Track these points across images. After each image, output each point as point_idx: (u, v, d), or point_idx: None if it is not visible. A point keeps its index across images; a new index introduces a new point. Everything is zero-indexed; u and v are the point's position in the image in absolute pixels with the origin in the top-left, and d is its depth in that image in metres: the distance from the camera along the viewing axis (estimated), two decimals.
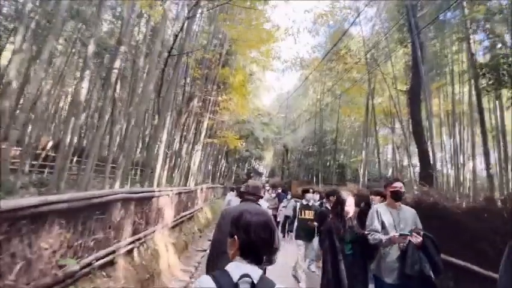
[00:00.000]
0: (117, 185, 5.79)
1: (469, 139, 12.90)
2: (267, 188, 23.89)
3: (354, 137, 23.14)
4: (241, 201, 2.68)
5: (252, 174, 38.22)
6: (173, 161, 10.84)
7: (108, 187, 6.73)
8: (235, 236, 1.08)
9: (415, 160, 13.87)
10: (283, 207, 8.54)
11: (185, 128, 9.85)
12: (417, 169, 12.21)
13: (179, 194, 7.33)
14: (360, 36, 14.35)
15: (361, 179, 14.31)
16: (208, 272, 2.05)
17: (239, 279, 0.98)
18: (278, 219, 8.47)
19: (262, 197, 2.74)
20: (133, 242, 4.23)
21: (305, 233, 5.36)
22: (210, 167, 29.18)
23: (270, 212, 7.90)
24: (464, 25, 9.22)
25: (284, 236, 9.14)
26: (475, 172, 11.56)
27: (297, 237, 5.47)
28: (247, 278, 0.98)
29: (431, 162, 9.44)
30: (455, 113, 11.76)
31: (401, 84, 12.19)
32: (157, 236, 5.38)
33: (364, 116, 15.47)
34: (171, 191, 6.55)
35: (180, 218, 7.46)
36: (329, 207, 4.52)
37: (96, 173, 10.01)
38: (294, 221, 5.65)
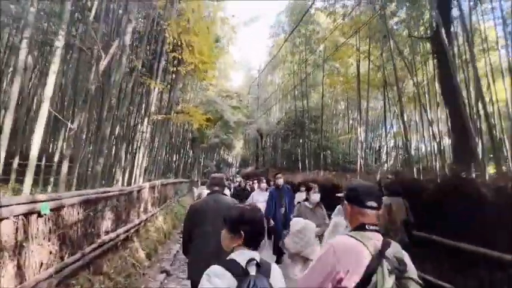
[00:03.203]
0: None
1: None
2: (238, 179, 20.06)
3: (339, 114, 20.70)
4: (208, 194, 2.71)
5: (221, 166, 34.86)
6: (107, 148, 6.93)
7: None
8: (241, 231, 1.26)
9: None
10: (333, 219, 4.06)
11: (113, 89, 5.84)
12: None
13: (84, 203, 3.66)
14: None
15: (360, 163, 11.60)
16: (186, 255, 2.54)
17: (247, 263, 1.16)
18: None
19: (226, 187, 3.03)
20: None
21: None
22: (175, 157, 25.00)
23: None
24: None
25: None
26: None
27: None
28: (253, 261, 1.17)
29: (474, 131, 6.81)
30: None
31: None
32: None
33: (356, 83, 12.75)
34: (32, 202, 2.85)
35: (91, 251, 3.81)
36: None
37: None
38: None
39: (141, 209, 6.66)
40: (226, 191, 6.88)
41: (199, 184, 16.63)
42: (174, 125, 19.77)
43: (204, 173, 29.57)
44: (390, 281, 1.03)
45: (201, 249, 2.32)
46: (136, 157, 8.54)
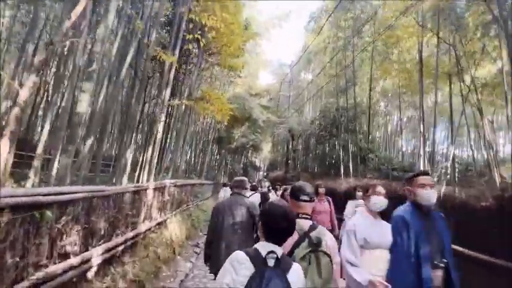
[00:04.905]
0: None
1: None
2: (266, 183, 18.23)
3: (381, 112, 17.94)
4: (230, 195, 3.11)
5: (248, 169, 33.32)
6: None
7: None
8: (261, 221, 1.37)
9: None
10: None
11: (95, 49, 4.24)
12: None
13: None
14: None
15: (423, 166, 9.15)
16: (205, 253, 2.89)
17: (267, 254, 1.22)
18: None
19: (246, 189, 3.24)
20: None
21: None
22: (199, 157, 23.77)
23: None
24: None
25: None
26: None
27: None
28: (273, 254, 1.22)
29: None
30: None
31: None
32: None
33: (418, 69, 10.24)
34: None
35: None
36: None
37: None
38: None
39: (141, 217, 5.03)
40: (256, 197, 5.59)
41: (223, 186, 15.14)
42: (198, 120, 18.48)
43: (230, 174, 28.12)
44: (304, 252, 1.46)
45: (220, 245, 2.67)
46: (145, 151, 7.03)
